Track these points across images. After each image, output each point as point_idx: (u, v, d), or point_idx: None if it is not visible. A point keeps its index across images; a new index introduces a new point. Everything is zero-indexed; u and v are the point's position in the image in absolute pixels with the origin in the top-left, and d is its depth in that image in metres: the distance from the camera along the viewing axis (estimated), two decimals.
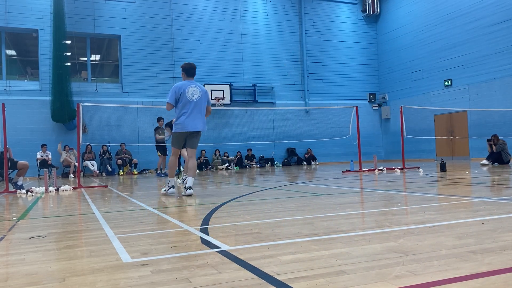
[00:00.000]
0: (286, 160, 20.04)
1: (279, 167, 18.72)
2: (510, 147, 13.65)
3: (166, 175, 13.46)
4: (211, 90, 18.68)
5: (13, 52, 18.18)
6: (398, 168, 11.22)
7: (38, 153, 15.17)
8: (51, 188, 7.97)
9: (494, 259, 2.06)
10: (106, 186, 9.07)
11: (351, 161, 12.30)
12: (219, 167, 18.14)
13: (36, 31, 16.91)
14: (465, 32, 17.72)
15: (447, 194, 5.16)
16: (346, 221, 3.38)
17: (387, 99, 22.05)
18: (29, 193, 7.59)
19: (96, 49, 18.79)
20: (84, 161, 15.99)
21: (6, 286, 1.94)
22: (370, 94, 22.34)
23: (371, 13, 22.11)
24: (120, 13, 17.98)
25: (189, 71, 6.38)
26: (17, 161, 8.66)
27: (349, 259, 2.17)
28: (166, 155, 13.39)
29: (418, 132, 18.27)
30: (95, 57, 19.00)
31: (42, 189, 7.81)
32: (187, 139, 6.39)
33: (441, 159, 11.15)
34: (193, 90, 6.22)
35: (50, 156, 15.25)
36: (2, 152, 8.58)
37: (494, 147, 13.05)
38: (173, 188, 6.40)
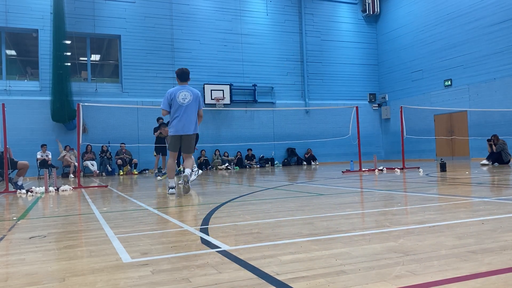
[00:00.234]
0: (286, 160, 20.04)
1: (279, 167, 18.72)
2: (510, 147, 13.65)
3: (164, 174, 13.48)
4: (211, 90, 18.69)
5: (13, 52, 18.19)
6: (398, 168, 11.22)
7: (38, 153, 15.17)
8: (51, 188, 7.97)
9: (494, 259, 2.06)
10: (106, 186, 9.07)
11: (351, 161, 12.30)
12: (219, 167, 18.14)
13: (36, 31, 16.92)
14: (465, 32, 17.72)
15: (447, 194, 5.16)
16: (346, 221, 3.38)
17: (387, 99, 22.05)
18: (29, 193, 7.59)
19: (96, 49, 18.79)
20: (84, 161, 16.00)
21: (6, 286, 1.94)
22: (370, 94, 22.35)
23: (371, 13, 22.11)
24: (120, 13, 17.99)
25: (181, 76, 6.54)
26: (17, 161, 8.66)
27: (349, 259, 2.17)
28: (165, 155, 13.36)
29: (418, 132, 18.27)
30: (95, 57, 19.00)
31: (42, 189, 7.81)
32: (182, 143, 6.51)
33: (441, 159, 11.15)
34: (184, 95, 6.39)
35: (50, 156, 15.25)
36: (2, 152, 8.58)
37: (494, 147, 13.04)
38: (173, 188, 6.44)
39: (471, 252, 2.22)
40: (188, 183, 6.28)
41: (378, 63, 22.67)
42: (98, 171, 16.08)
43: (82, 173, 14.98)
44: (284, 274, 1.94)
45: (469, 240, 2.50)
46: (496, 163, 12.72)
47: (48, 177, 8.16)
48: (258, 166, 19.12)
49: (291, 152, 20.30)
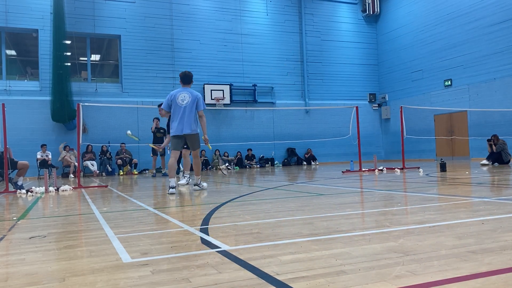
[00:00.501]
0: (286, 160, 20.04)
1: (279, 167, 18.72)
2: (510, 147, 13.64)
3: (165, 175, 13.48)
4: (211, 90, 18.68)
5: (13, 52, 18.18)
6: (398, 168, 11.22)
7: (38, 153, 15.17)
8: (51, 188, 7.97)
9: (494, 259, 2.06)
10: (106, 186, 9.07)
11: (351, 161, 12.29)
12: (219, 167, 18.11)
13: (36, 31, 16.92)
14: (465, 32, 17.72)
15: (447, 194, 5.16)
16: (346, 221, 3.38)
17: (387, 99, 22.05)
18: (29, 193, 7.59)
19: (96, 49, 18.79)
20: (84, 161, 16.00)
21: (6, 286, 1.94)
22: (370, 94, 22.35)
23: (371, 13, 22.11)
24: (120, 13, 17.98)
25: (183, 78, 6.85)
26: (17, 161, 8.66)
27: (349, 259, 2.17)
28: (163, 155, 13.36)
29: (418, 132, 18.27)
30: (95, 57, 19.00)
31: (42, 189, 7.81)
32: (187, 142, 6.87)
33: (441, 159, 11.14)
34: (183, 96, 6.66)
35: (50, 156, 15.25)
36: (2, 152, 8.58)
37: (494, 147, 13.04)
38: (173, 188, 6.50)
39: (471, 252, 2.22)
40: (197, 186, 6.97)
41: (378, 63, 22.67)
42: (98, 171, 16.08)
43: (82, 173, 14.98)
44: (284, 274, 1.94)
45: (469, 240, 2.50)
46: (496, 163, 12.72)
47: (48, 177, 8.16)
48: (258, 166, 19.12)
49: (291, 152, 20.30)
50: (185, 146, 7.22)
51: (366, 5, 22.15)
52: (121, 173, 16.22)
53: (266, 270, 2.02)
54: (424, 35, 19.73)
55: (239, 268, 2.08)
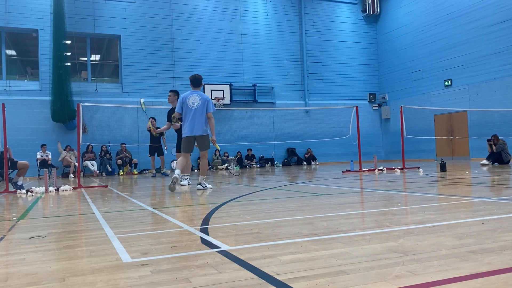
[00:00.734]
0: (286, 160, 20.04)
1: (279, 167, 18.72)
2: (510, 147, 13.65)
3: (164, 174, 13.48)
4: (211, 90, 18.68)
5: (13, 52, 18.19)
6: (398, 168, 11.22)
7: (38, 153, 15.18)
8: (51, 188, 7.97)
9: (494, 259, 2.06)
10: (106, 186, 9.07)
11: (351, 161, 12.30)
12: (219, 167, 18.14)
13: (36, 31, 16.92)
14: (465, 32, 17.72)
15: (447, 194, 5.16)
16: (346, 221, 3.38)
17: (387, 99, 22.05)
18: (29, 193, 7.59)
19: (96, 49, 18.79)
20: (84, 161, 16.00)
21: (6, 286, 1.94)
22: (370, 94, 22.35)
23: (371, 13, 22.11)
24: (120, 13, 17.99)
25: (194, 81, 7.25)
26: (17, 161, 8.66)
27: (349, 259, 2.17)
28: (161, 155, 13.32)
29: (418, 132, 18.27)
30: (95, 57, 19.00)
31: (42, 189, 7.81)
32: (196, 142, 7.19)
33: (441, 159, 11.14)
34: (193, 99, 7.04)
35: (50, 156, 15.26)
36: (2, 152, 8.58)
37: (494, 147, 13.04)
38: (178, 175, 6.91)
39: (471, 252, 2.22)
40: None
41: (378, 63, 22.67)
42: (98, 171, 16.08)
43: (82, 173, 14.98)
44: (284, 274, 1.94)
45: (469, 240, 2.50)
46: (496, 163, 12.72)
47: (48, 177, 8.16)
48: (258, 166, 19.12)
49: (291, 152, 20.30)
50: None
51: (366, 5, 22.16)
52: (121, 173, 16.22)
53: (266, 270, 2.02)
54: (424, 35, 19.73)
55: (239, 268, 2.08)
